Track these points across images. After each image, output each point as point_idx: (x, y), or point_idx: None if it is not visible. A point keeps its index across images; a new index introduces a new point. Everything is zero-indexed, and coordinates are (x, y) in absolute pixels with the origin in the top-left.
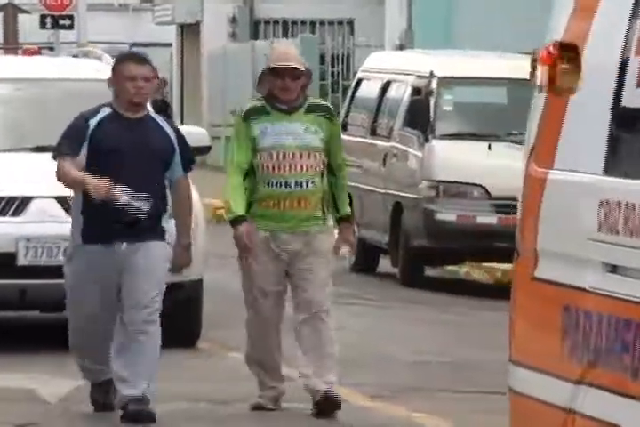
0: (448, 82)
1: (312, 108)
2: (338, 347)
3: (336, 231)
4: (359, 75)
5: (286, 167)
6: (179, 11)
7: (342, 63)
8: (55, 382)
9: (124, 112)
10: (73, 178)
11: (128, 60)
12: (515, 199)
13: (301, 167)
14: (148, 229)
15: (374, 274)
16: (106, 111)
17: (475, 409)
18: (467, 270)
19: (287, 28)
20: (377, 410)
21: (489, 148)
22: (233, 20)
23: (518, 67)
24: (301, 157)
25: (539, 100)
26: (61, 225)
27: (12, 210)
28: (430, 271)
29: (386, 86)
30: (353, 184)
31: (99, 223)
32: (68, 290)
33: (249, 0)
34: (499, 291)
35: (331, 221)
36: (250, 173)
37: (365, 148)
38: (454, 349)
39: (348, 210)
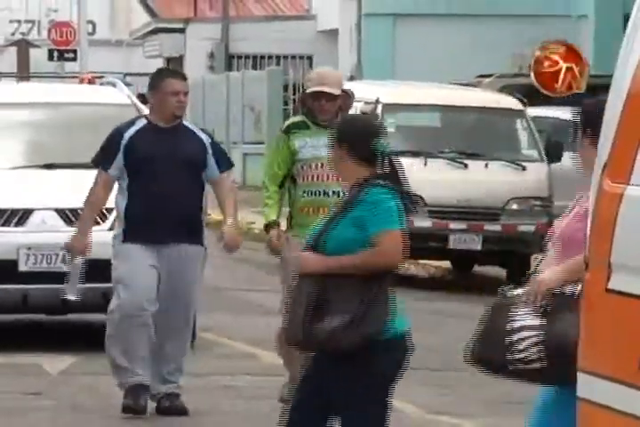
0: (391, 108)
1: None
2: None
3: None
4: None
5: (324, 177)
6: (165, 46)
7: (302, 91)
8: (57, 357)
9: (161, 123)
10: (83, 212)
11: (170, 76)
12: (446, 207)
13: (338, 177)
14: (188, 231)
15: None
16: (142, 122)
17: (421, 383)
18: (406, 266)
19: (257, 61)
20: None
21: (425, 164)
22: (211, 55)
23: (450, 95)
24: None
25: (613, 113)
26: (60, 235)
27: (14, 221)
28: None
29: None
30: None
31: (141, 224)
32: (118, 277)
33: (224, 38)
34: (433, 283)
35: None
36: (288, 185)
37: None
38: (423, 333)
39: None
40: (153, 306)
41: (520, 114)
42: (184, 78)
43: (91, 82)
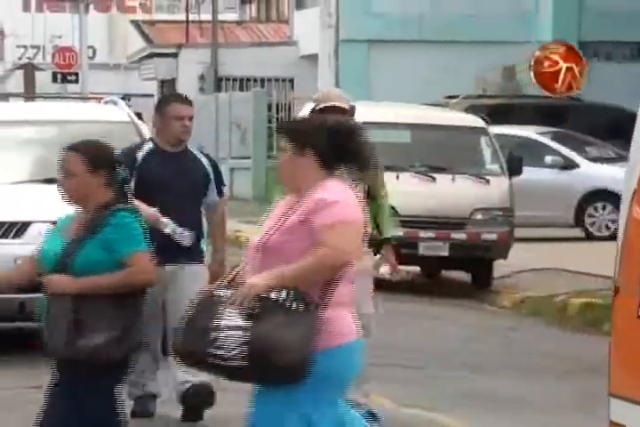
0: (367, 126)
1: None
2: None
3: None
4: None
5: None
6: (159, 70)
7: (285, 111)
8: None
9: (166, 147)
10: None
11: (175, 101)
12: (416, 216)
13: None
14: (189, 252)
15: None
16: (149, 146)
17: (393, 379)
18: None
19: (243, 84)
20: None
21: (397, 177)
22: (201, 78)
23: (420, 114)
24: None
25: None
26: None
27: (12, 233)
28: None
29: None
30: None
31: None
32: None
33: (214, 62)
34: (404, 287)
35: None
36: None
37: None
38: (388, 334)
39: (390, 234)
40: (158, 331)
41: (484, 131)
42: (190, 103)
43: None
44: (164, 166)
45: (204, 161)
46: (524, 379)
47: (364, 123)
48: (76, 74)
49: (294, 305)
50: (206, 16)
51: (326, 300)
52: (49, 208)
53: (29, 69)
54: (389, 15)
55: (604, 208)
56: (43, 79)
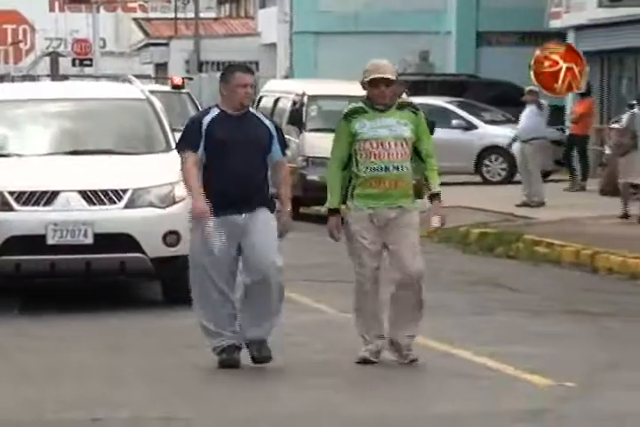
0: (314, 98)
1: (401, 106)
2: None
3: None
4: (261, 94)
5: (384, 154)
6: (155, 56)
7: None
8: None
9: (231, 111)
10: (189, 185)
11: (239, 70)
12: None
13: (396, 154)
14: (259, 202)
15: None
16: (215, 111)
17: (341, 292)
18: (324, 210)
19: (219, 66)
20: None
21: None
22: (187, 62)
23: (355, 88)
24: (395, 145)
25: None
26: (82, 213)
27: (43, 201)
28: (303, 210)
29: (276, 101)
30: None
31: (218, 199)
32: (193, 256)
33: (197, 49)
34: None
35: (417, 200)
36: (350, 163)
37: None
38: (328, 257)
39: (438, 188)
40: (233, 278)
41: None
42: (251, 72)
43: (178, 83)
44: (231, 127)
45: (267, 122)
46: (440, 290)
47: (312, 96)
48: (91, 59)
49: None
50: (190, 14)
51: None
52: (75, 178)
53: (54, 56)
54: (332, 12)
55: (496, 159)
56: (64, 64)
